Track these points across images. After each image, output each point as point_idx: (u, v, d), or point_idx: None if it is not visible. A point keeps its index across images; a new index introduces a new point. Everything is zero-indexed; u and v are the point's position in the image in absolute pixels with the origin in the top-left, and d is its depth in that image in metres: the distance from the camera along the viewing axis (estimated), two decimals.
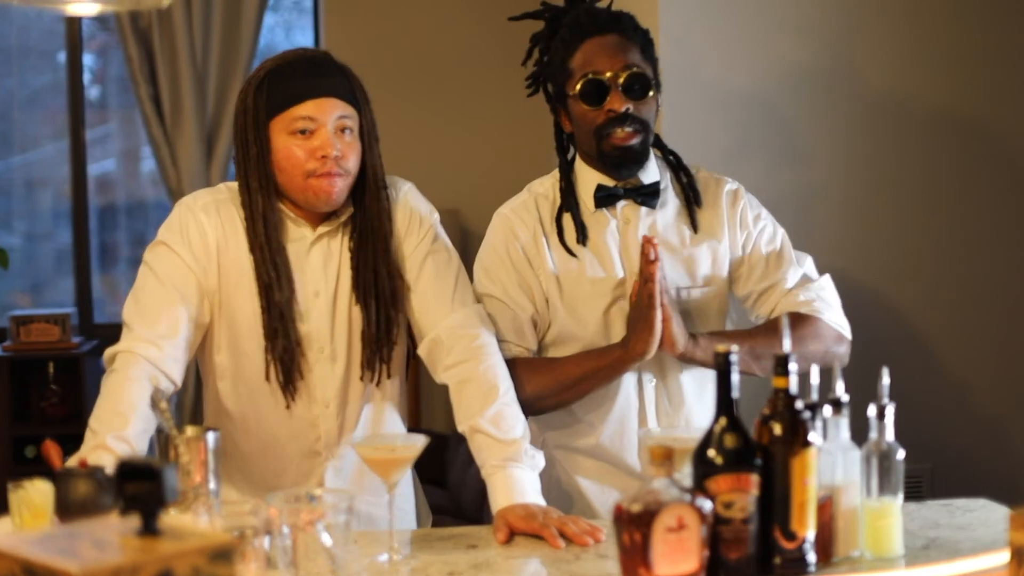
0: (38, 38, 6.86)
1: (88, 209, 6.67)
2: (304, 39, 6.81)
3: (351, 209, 3.01)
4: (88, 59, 6.91)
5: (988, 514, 2.84)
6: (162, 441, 2.51)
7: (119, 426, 2.74)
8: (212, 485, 2.51)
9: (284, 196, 2.97)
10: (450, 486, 5.59)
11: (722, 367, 2.33)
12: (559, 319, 3.15)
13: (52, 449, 2.61)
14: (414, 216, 3.07)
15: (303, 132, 2.90)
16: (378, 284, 2.99)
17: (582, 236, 3.13)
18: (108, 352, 2.90)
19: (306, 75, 2.93)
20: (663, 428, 3.08)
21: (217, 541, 1.84)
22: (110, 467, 2.51)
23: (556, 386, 3.07)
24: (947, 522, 2.78)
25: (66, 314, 6.27)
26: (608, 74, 3.04)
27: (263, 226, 2.94)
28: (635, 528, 2.17)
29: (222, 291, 2.98)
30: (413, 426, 5.86)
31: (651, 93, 3.07)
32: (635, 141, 3.06)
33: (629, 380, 3.13)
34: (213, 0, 6.30)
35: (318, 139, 2.90)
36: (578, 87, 3.06)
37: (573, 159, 3.23)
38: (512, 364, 3.06)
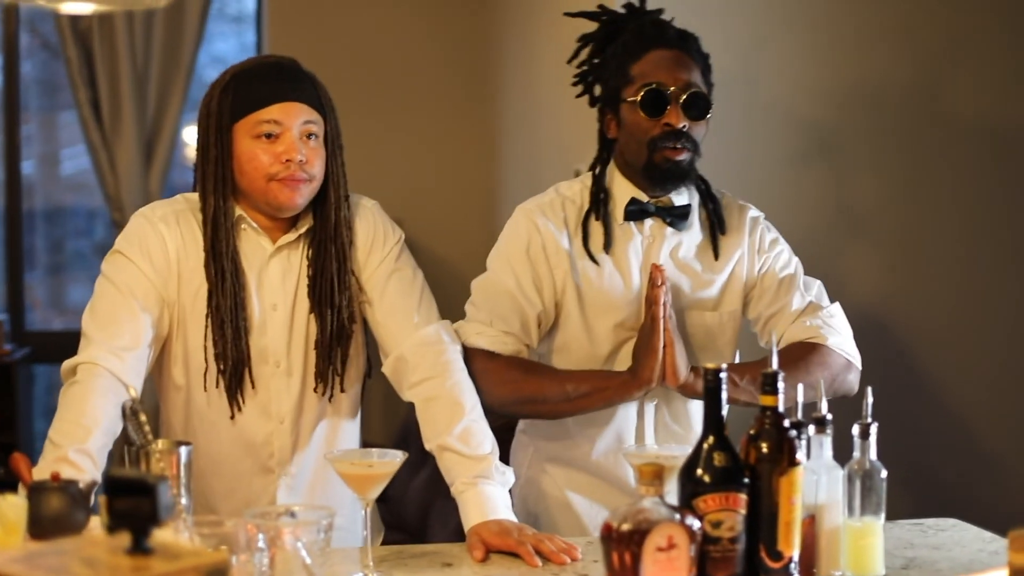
0: None
1: (21, 212, 6.55)
2: (246, 47, 6.74)
3: (311, 221, 2.96)
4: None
5: (960, 534, 2.84)
6: (132, 454, 2.44)
7: (81, 439, 2.67)
8: (184, 500, 2.45)
9: (246, 202, 2.93)
10: (390, 499, 5.55)
11: (711, 385, 2.30)
12: (569, 326, 3.12)
13: (21, 462, 2.53)
14: (379, 232, 3.03)
15: (268, 136, 2.86)
16: (334, 293, 2.95)
17: (608, 243, 3.11)
18: (67, 364, 2.83)
19: (273, 79, 2.89)
20: (649, 444, 3.05)
21: (211, 560, 1.78)
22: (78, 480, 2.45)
23: (557, 394, 3.03)
24: (921, 542, 2.77)
25: None
26: (671, 88, 3.02)
27: (212, 228, 2.89)
28: (625, 548, 2.13)
29: (181, 303, 2.92)
30: None
31: (708, 115, 3.05)
32: (684, 158, 3.03)
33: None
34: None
35: (283, 143, 2.86)
36: (640, 95, 3.02)
37: (606, 166, 3.19)
38: (513, 361, 3.04)
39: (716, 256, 3.15)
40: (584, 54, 3.24)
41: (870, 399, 2.49)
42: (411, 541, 4.88)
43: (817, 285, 3.20)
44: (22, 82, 6.67)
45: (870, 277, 4.74)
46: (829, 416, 2.46)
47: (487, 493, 2.78)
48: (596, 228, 3.13)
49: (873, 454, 2.47)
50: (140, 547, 1.77)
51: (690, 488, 2.27)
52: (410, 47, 6.53)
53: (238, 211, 2.92)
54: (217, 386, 2.93)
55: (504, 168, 6.28)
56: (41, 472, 2.57)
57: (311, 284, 2.95)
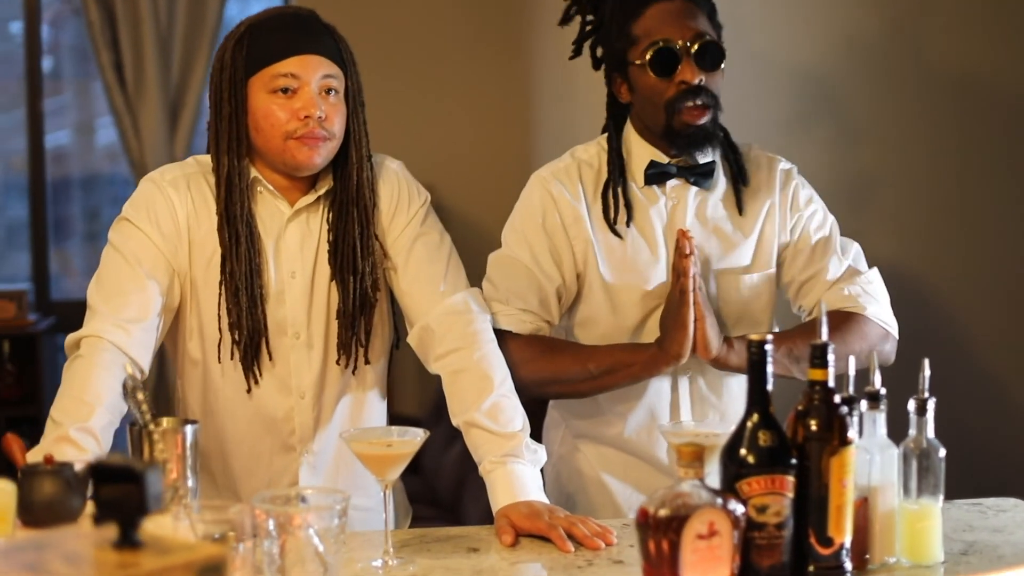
0: None
1: (45, 182, 6.42)
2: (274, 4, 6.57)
3: (331, 182, 2.80)
4: (42, 30, 6.65)
5: (1022, 515, 2.65)
6: (135, 434, 2.29)
7: (84, 417, 2.52)
8: (190, 483, 2.31)
9: (261, 163, 2.77)
10: (424, 472, 5.40)
11: (755, 358, 2.13)
12: (592, 298, 2.95)
13: (14, 444, 2.39)
14: (403, 194, 2.87)
15: (285, 91, 2.70)
16: (356, 259, 2.78)
17: (629, 211, 2.93)
18: (71, 338, 2.68)
19: (290, 31, 2.73)
20: (686, 421, 2.87)
21: (206, 554, 1.62)
22: (75, 462, 2.31)
23: (579, 373, 2.87)
24: (981, 524, 2.59)
25: (22, 291, 6.03)
26: (679, 42, 2.82)
27: (226, 190, 2.73)
28: (662, 535, 1.97)
29: (193, 272, 2.77)
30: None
31: (722, 64, 2.86)
32: (706, 119, 2.84)
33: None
34: None
35: (301, 99, 2.70)
36: (647, 56, 2.83)
37: (621, 130, 3.00)
38: (532, 340, 2.89)
39: (740, 211, 2.96)
40: (578, 16, 3.04)
41: (927, 372, 2.31)
42: (444, 517, 4.74)
43: (855, 248, 3.01)
44: (59, 51, 6.53)
45: (883, 246, 4.54)
46: (883, 390, 2.29)
47: (517, 473, 2.62)
48: (619, 199, 2.94)
49: (931, 431, 2.30)
50: (128, 540, 1.62)
51: (733, 470, 2.11)
52: (443, 6, 6.36)
53: (253, 172, 2.77)
54: (232, 358, 2.77)
55: (539, 131, 6.12)
56: (40, 452, 2.43)
57: (332, 249, 2.80)
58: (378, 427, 2.79)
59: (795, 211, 2.98)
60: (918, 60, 4.58)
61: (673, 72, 2.82)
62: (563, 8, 3.04)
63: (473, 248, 5.97)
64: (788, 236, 2.97)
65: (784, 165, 3.02)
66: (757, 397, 2.12)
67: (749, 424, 2.11)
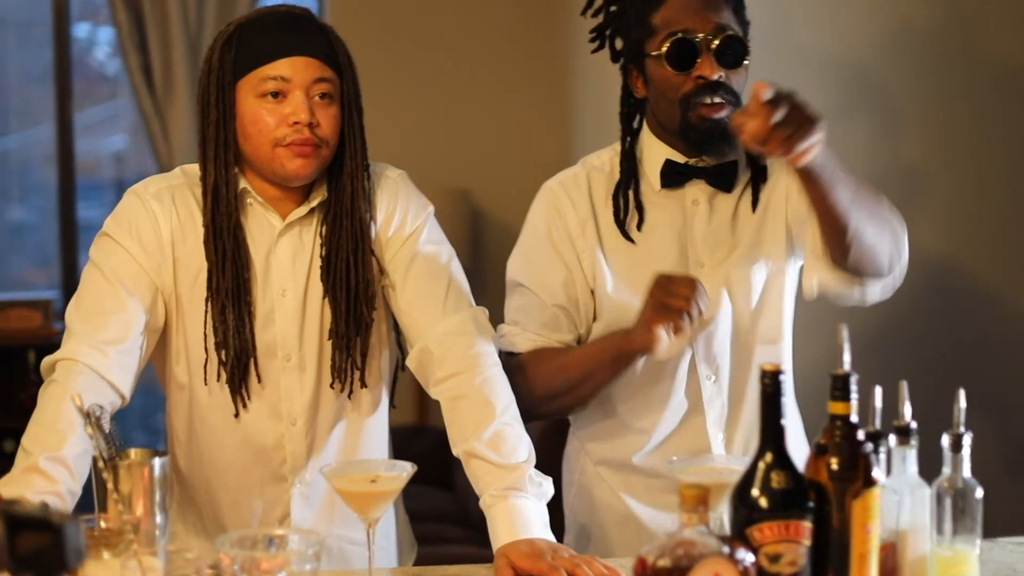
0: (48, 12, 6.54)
1: (75, 187, 6.31)
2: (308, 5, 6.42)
3: (325, 193, 2.63)
4: (106, 32, 6.66)
5: None
6: (99, 468, 2.13)
7: (55, 445, 2.35)
8: (158, 519, 2.14)
9: (251, 172, 2.60)
10: (457, 489, 5.23)
11: (769, 390, 1.93)
12: (608, 312, 2.76)
13: None
14: (403, 206, 2.69)
15: (274, 95, 2.52)
16: (349, 276, 2.61)
17: (642, 218, 2.75)
18: (46, 361, 2.54)
19: (280, 31, 2.55)
20: (694, 456, 2.65)
21: None
22: (45, 494, 2.16)
23: (564, 382, 2.71)
24: None
25: (47, 300, 5.93)
26: (700, 35, 2.65)
27: (212, 201, 2.56)
28: None
29: (178, 290, 2.60)
30: (418, 423, 5.51)
31: (746, 61, 2.69)
32: (724, 113, 2.65)
33: (681, 377, 2.75)
34: None
35: (291, 104, 2.52)
36: (664, 47, 2.66)
37: (638, 129, 2.83)
38: (537, 353, 2.74)
39: (754, 207, 2.77)
40: (599, 1, 2.85)
41: (962, 403, 2.11)
42: (476, 539, 4.56)
43: None
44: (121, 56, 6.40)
45: (929, 241, 4.32)
46: (914, 424, 2.08)
47: (519, 508, 2.43)
48: (630, 201, 2.77)
49: (967, 470, 2.09)
50: None
51: (744, 514, 1.91)
52: (480, 7, 6.22)
53: (242, 183, 2.59)
54: (219, 380, 2.60)
55: (576, 133, 5.97)
56: (7, 484, 2.29)
57: (324, 264, 2.62)
58: (362, 460, 2.61)
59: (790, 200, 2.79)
60: (967, 50, 4.37)
61: (691, 66, 2.65)
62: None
63: (509, 253, 5.82)
64: (794, 207, 2.78)
65: None
66: (770, 433, 1.93)
67: (761, 464, 1.91)
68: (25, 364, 5.88)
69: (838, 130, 4.21)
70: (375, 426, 2.73)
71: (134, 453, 2.18)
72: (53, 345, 5.75)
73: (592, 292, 2.77)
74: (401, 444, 4.73)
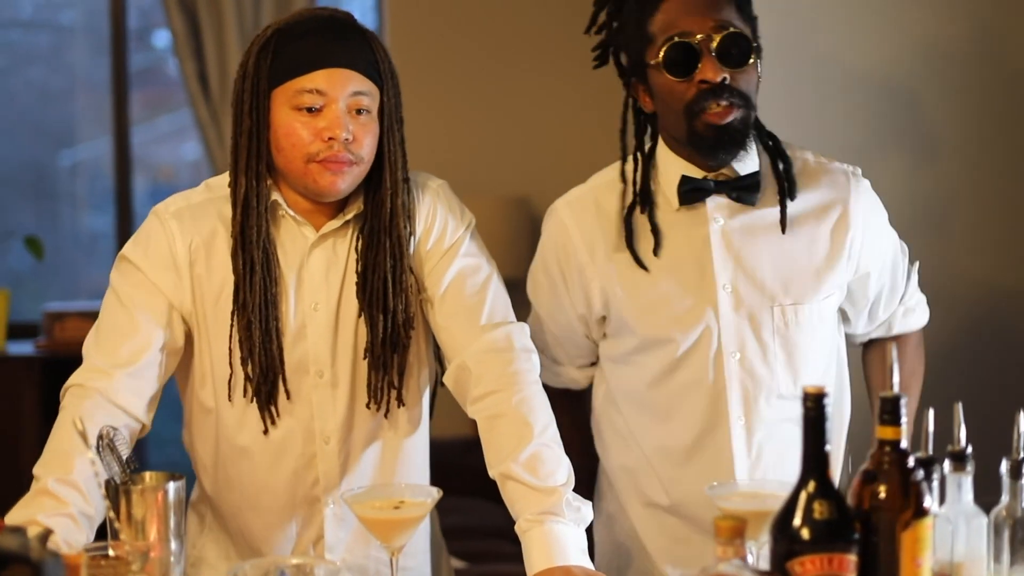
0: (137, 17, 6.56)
1: (132, 195, 6.26)
2: (363, 12, 6.35)
3: (361, 205, 2.53)
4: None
5: None
6: (111, 492, 2.05)
7: (64, 469, 2.29)
8: (173, 546, 2.06)
9: (284, 183, 2.50)
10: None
11: (811, 414, 1.81)
12: (625, 336, 2.66)
13: None
14: (442, 219, 2.59)
15: (310, 109, 2.42)
16: (388, 295, 2.50)
17: (658, 239, 2.61)
18: (63, 390, 2.47)
19: (319, 39, 2.44)
20: (734, 482, 2.53)
21: None
22: (54, 516, 2.14)
23: None
24: None
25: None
26: (698, 36, 2.50)
27: (242, 213, 2.46)
28: None
29: (201, 309, 2.52)
30: (470, 435, 5.35)
31: (752, 59, 2.53)
32: (733, 117, 2.51)
33: (708, 415, 2.62)
34: None
35: (326, 118, 2.41)
36: (661, 54, 2.51)
37: (654, 146, 2.68)
38: (563, 395, 2.73)
39: (783, 228, 2.60)
40: (602, 18, 2.71)
41: (1022, 427, 1.98)
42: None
43: (913, 271, 2.79)
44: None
45: (965, 264, 4.18)
46: (969, 449, 1.96)
47: (555, 533, 2.32)
48: (645, 224, 2.63)
49: None
50: None
51: (784, 546, 1.80)
52: (538, 9, 6.13)
53: (274, 194, 2.50)
54: (246, 397, 2.51)
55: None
56: (18, 508, 2.24)
57: (360, 283, 2.52)
58: (385, 484, 2.51)
59: (862, 239, 2.65)
60: (1002, 67, 4.24)
61: (692, 70, 2.50)
62: None
63: None
64: (855, 264, 2.65)
65: (856, 178, 2.68)
66: (813, 461, 1.81)
67: (803, 493, 1.80)
68: None
69: (874, 155, 4.11)
70: (413, 445, 2.64)
71: (148, 477, 2.11)
72: None
73: (603, 318, 2.67)
74: (452, 457, 4.65)
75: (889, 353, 1.96)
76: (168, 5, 5.86)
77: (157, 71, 6.61)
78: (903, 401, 1.84)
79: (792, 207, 2.61)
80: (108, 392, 2.41)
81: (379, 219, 2.51)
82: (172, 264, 2.49)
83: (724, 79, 2.48)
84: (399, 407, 2.57)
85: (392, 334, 2.52)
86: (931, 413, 2.04)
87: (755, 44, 2.54)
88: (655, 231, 2.61)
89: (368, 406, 2.55)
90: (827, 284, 2.62)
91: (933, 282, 2.86)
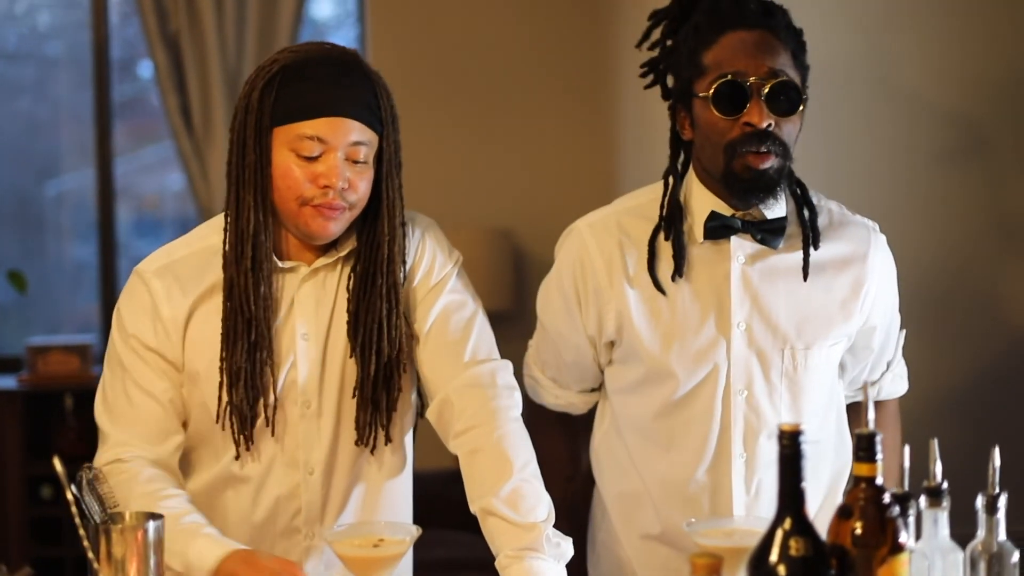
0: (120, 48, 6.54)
1: (115, 226, 6.25)
2: (344, 44, 6.37)
3: (354, 242, 2.53)
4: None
5: None
6: (91, 531, 2.05)
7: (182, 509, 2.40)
8: None
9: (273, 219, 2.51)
10: None
11: (787, 451, 1.82)
12: (636, 365, 2.66)
13: None
14: (431, 256, 2.60)
15: (308, 157, 2.42)
16: (382, 337, 2.51)
17: (679, 267, 2.61)
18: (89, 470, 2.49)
19: (326, 83, 2.42)
20: (716, 519, 2.54)
21: None
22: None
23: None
24: None
25: (86, 344, 5.85)
26: (752, 78, 2.49)
27: (251, 248, 2.46)
28: None
29: (189, 357, 2.52)
30: (454, 467, 5.34)
31: (800, 109, 2.52)
32: (770, 164, 2.51)
33: (712, 453, 2.64)
34: (247, 1, 5.89)
35: (324, 164, 2.41)
36: (712, 89, 2.50)
37: (683, 173, 2.68)
38: (558, 420, 2.79)
39: (805, 275, 2.61)
40: (656, 34, 2.70)
41: (997, 462, 2.01)
42: None
43: (901, 338, 2.81)
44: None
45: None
46: (945, 484, 1.97)
47: (535, 569, 2.33)
48: (667, 250, 2.62)
49: (1002, 533, 1.98)
50: None
51: None
52: (521, 44, 6.14)
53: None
54: (232, 425, 2.51)
55: (620, 173, 5.87)
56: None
57: (352, 323, 2.52)
58: (365, 522, 2.52)
59: (875, 293, 2.68)
60: None
61: (740, 111, 2.50)
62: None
63: None
64: (866, 316, 2.68)
65: (876, 233, 2.70)
66: (789, 498, 1.82)
67: (780, 530, 1.81)
68: (62, 409, 5.83)
69: (938, 174, 4.12)
70: (397, 480, 2.64)
71: (128, 516, 2.10)
72: (90, 390, 5.72)
73: (612, 344, 2.67)
74: (436, 490, 4.64)
75: (866, 393, 1.97)
76: (150, 38, 5.86)
77: (143, 101, 6.59)
78: (878, 438, 1.86)
79: (814, 255, 2.62)
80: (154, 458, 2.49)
81: (374, 262, 2.51)
82: (161, 323, 2.50)
83: (769, 125, 2.49)
84: (385, 444, 2.58)
85: (384, 375, 2.53)
86: (907, 449, 2.06)
87: (804, 96, 2.54)
88: (677, 257, 2.60)
89: (357, 443, 2.55)
90: (837, 331, 2.64)
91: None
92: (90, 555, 2.02)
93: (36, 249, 6.61)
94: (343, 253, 2.53)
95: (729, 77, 2.49)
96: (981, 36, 4.35)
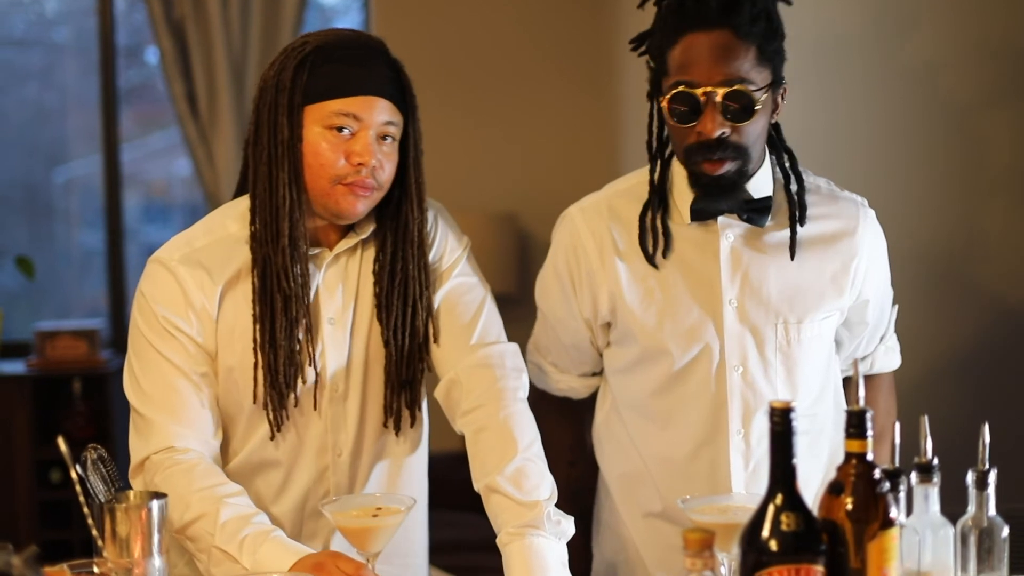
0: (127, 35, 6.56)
1: (122, 212, 6.27)
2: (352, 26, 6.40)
3: (373, 225, 2.57)
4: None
5: None
6: (95, 510, 2.08)
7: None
8: (157, 563, 2.09)
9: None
10: None
11: (778, 428, 1.85)
12: (629, 345, 2.69)
13: None
14: (443, 239, 2.65)
15: (341, 130, 2.45)
16: (415, 322, 2.57)
17: (666, 247, 2.63)
18: (142, 463, 2.51)
19: (359, 64, 2.47)
20: (711, 496, 2.56)
21: None
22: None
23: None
24: None
25: (94, 329, 5.88)
26: (704, 88, 2.46)
27: (288, 226, 2.47)
28: None
29: (219, 343, 2.53)
30: (463, 450, 5.36)
31: (757, 110, 2.49)
32: (727, 169, 2.52)
33: (710, 437, 2.66)
34: None
35: (358, 143, 2.45)
36: (668, 96, 2.50)
37: (670, 156, 2.67)
38: (563, 405, 2.84)
39: (792, 254, 2.62)
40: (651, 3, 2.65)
41: (987, 438, 2.03)
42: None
43: (894, 313, 2.81)
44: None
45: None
46: (935, 461, 2.00)
47: (535, 547, 2.36)
48: (657, 227, 2.64)
49: (992, 508, 2.01)
50: None
51: (753, 557, 1.84)
52: (524, 29, 6.15)
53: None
54: (266, 408, 2.53)
55: (623, 156, 5.88)
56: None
57: (384, 305, 2.56)
58: (363, 494, 2.55)
59: (866, 267, 2.69)
60: None
61: (694, 120, 2.49)
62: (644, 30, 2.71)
63: None
64: (858, 290, 2.69)
65: (864, 208, 2.71)
66: (781, 474, 1.84)
67: (771, 506, 1.84)
68: (71, 394, 5.86)
69: (985, 117, 4.05)
70: (417, 459, 2.70)
71: (132, 495, 2.13)
72: (97, 375, 5.74)
73: (608, 325, 2.70)
74: (445, 471, 4.66)
75: (856, 369, 2.00)
76: (156, 25, 5.88)
77: (150, 87, 6.62)
78: (868, 415, 1.88)
79: (802, 231, 2.62)
80: (205, 450, 2.49)
81: (403, 246, 2.55)
82: (193, 311, 2.50)
83: (723, 133, 2.48)
84: (411, 426, 2.62)
85: (418, 358, 2.58)
86: (896, 426, 2.08)
87: (766, 93, 2.50)
88: (666, 235, 2.62)
89: (386, 424, 2.60)
90: (829, 305, 2.65)
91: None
92: (94, 533, 2.04)
93: (44, 235, 6.64)
94: (363, 236, 2.56)
95: (682, 88, 2.47)
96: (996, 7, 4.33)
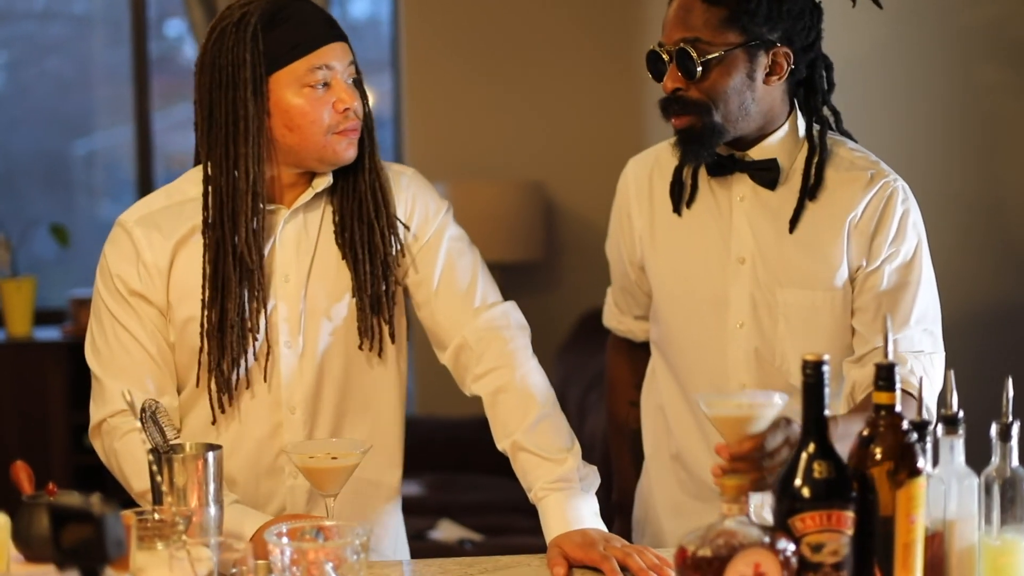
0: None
1: (153, 183, 6.35)
2: (381, 7, 6.45)
3: (329, 177, 2.60)
4: None
5: None
6: (156, 460, 2.17)
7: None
8: (212, 511, 2.18)
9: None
10: None
11: (811, 380, 1.93)
12: (656, 293, 2.80)
13: (22, 472, 2.26)
14: (423, 204, 2.69)
15: (324, 84, 2.51)
16: (373, 233, 2.60)
17: (691, 197, 2.72)
18: (92, 428, 2.63)
19: (307, 18, 2.52)
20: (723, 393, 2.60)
21: None
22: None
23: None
24: None
25: None
26: (666, 47, 2.59)
27: (252, 200, 2.52)
28: None
29: (174, 297, 2.59)
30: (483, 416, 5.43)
31: (701, 69, 2.53)
32: (688, 124, 2.58)
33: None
34: None
35: (337, 90, 2.52)
36: (646, 55, 2.63)
37: None
38: (615, 344, 3.02)
39: (792, 226, 2.64)
40: None
41: (1011, 392, 2.09)
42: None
43: (933, 312, 2.66)
44: None
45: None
46: (961, 413, 2.07)
47: (570, 500, 2.45)
48: (683, 183, 2.74)
49: (1015, 459, 2.08)
50: None
51: (786, 504, 1.92)
52: (553, 1, 6.21)
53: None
54: (217, 366, 2.56)
55: (653, 122, 5.91)
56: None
57: (340, 230, 2.61)
58: (323, 440, 2.58)
59: (879, 237, 2.63)
60: None
61: (661, 78, 2.61)
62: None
63: (585, 244, 5.74)
64: (864, 267, 2.64)
65: (885, 177, 2.64)
66: (813, 424, 1.93)
67: (804, 454, 1.92)
68: None
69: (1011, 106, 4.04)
70: (384, 421, 2.71)
71: (188, 446, 2.21)
72: None
73: (643, 269, 2.80)
74: (469, 436, 4.75)
75: (885, 326, 2.07)
76: None
77: (171, 60, 6.70)
78: (897, 369, 1.96)
79: (812, 205, 2.64)
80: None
81: (365, 179, 2.60)
82: (146, 270, 2.56)
83: (677, 90, 2.57)
84: (392, 342, 2.65)
85: (382, 271, 2.60)
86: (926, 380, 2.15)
87: (705, 59, 2.53)
88: (693, 188, 2.71)
89: (360, 347, 2.62)
90: (838, 273, 2.63)
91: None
92: (158, 479, 2.12)
93: (67, 207, 6.71)
94: (320, 188, 2.59)
95: (653, 47, 2.61)
96: None
